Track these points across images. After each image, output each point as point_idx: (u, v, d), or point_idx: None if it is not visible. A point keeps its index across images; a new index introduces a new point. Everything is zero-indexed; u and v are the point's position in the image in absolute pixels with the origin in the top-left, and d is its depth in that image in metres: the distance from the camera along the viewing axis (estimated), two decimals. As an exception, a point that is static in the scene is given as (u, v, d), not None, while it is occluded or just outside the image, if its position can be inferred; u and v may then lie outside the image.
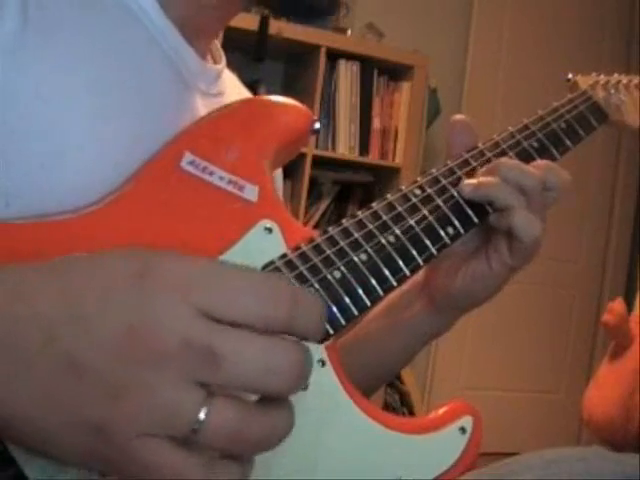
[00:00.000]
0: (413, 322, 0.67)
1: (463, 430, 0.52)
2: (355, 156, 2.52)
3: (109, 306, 0.36)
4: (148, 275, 0.36)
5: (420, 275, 0.67)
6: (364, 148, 2.54)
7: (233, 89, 0.70)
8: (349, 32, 2.63)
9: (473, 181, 0.60)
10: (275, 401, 0.37)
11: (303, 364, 0.36)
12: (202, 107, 0.61)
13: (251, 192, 0.54)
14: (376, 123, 2.56)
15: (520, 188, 0.59)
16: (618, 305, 0.97)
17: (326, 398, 0.50)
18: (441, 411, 0.53)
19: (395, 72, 2.59)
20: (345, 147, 2.51)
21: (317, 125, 0.59)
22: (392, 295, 0.65)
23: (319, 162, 2.46)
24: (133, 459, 0.36)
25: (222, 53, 0.70)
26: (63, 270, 0.38)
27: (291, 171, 2.43)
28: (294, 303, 0.36)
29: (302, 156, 2.38)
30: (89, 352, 0.35)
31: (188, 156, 0.53)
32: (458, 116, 0.66)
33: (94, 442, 0.36)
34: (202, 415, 0.35)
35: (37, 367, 0.36)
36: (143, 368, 0.35)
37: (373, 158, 2.55)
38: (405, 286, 0.67)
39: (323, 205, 2.59)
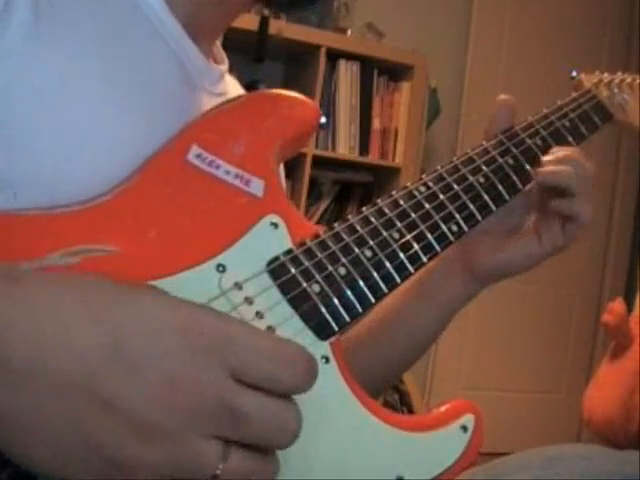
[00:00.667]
0: (451, 299, 0.70)
1: (465, 428, 0.52)
2: (355, 156, 2.52)
3: (154, 352, 0.38)
4: (192, 331, 0.39)
5: (453, 253, 0.69)
6: (364, 148, 2.54)
7: (234, 91, 0.70)
8: (349, 32, 2.63)
9: (550, 168, 0.65)
10: (271, 450, 0.42)
11: (301, 423, 0.42)
12: (208, 104, 0.61)
13: (257, 187, 0.54)
14: (376, 123, 2.56)
15: (584, 179, 0.65)
16: (618, 305, 0.97)
17: (329, 394, 0.50)
18: (443, 409, 0.53)
19: (395, 72, 2.59)
20: (345, 147, 2.51)
21: (323, 119, 0.59)
22: (420, 275, 0.69)
23: (319, 162, 2.45)
24: None
25: (224, 55, 0.70)
26: (108, 304, 0.39)
27: (291, 171, 2.43)
28: (307, 374, 0.41)
29: (302, 156, 2.38)
30: (128, 394, 0.37)
31: (195, 149, 0.53)
32: (504, 96, 0.71)
33: (112, 474, 0.38)
34: (221, 465, 0.39)
35: (69, 399, 0.37)
36: (177, 418, 0.38)
37: (373, 158, 2.55)
38: (433, 265, 0.69)
39: (323, 205, 2.59)
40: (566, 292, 3.27)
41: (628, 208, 3.34)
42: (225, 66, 0.68)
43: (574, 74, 0.80)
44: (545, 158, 0.66)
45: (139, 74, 0.56)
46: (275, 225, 0.53)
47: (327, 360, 0.51)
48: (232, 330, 0.40)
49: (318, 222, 2.54)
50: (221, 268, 0.50)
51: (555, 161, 0.66)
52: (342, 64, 2.52)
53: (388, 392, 2.56)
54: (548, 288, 3.19)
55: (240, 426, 0.39)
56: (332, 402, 0.50)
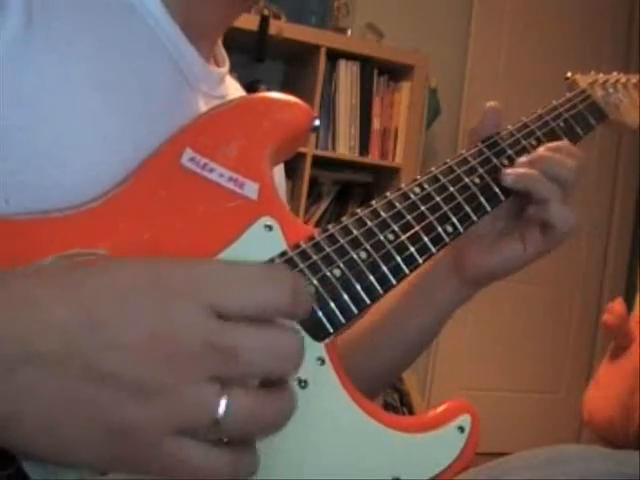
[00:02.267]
0: (445, 301, 0.71)
1: (461, 429, 0.52)
2: (355, 156, 2.52)
3: (128, 314, 0.38)
4: (161, 282, 0.39)
5: (446, 256, 0.69)
6: (364, 148, 2.54)
7: (235, 93, 0.70)
8: (349, 32, 2.63)
9: (513, 171, 0.64)
10: (279, 385, 0.40)
11: (302, 348, 0.40)
12: (204, 108, 0.61)
13: (251, 189, 0.54)
14: (376, 123, 2.56)
15: (558, 181, 0.63)
16: (618, 305, 0.97)
17: (325, 396, 0.50)
18: (439, 410, 0.53)
19: (395, 72, 2.59)
20: (345, 147, 2.51)
21: (317, 122, 0.59)
22: (414, 278, 0.69)
23: (319, 162, 2.46)
24: (163, 459, 0.38)
25: (226, 57, 0.70)
26: (76, 280, 0.39)
27: (291, 171, 2.43)
28: (294, 292, 0.40)
29: (302, 156, 2.38)
30: (111, 358, 0.37)
31: (188, 152, 0.53)
32: (492, 103, 0.69)
33: (119, 446, 0.38)
34: (222, 406, 0.38)
35: (57, 377, 0.37)
36: (167, 371, 0.37)
37: (373, 158, 2.55)
38: (426, 268, 0.69)
39: (323, 205, 2.59)
40: (566, 292, 3.27)
41: (628, 208, 3.33)
42: (226, 68, 0.68)
43: (569, 74, 0.80)
44: (519, 160, 0.66)
45: (134, 78, 0.56)
46: (269, 227, 0.53)
47: (322, 362, 0.51)
48: (202, 268, 0.40)
49: (318, 222, 2.54)
50: None
51: (523, 163, 0.65)
52: (342, 64, 2.52)
53: (388, 392, 2.56)
54: (548, 288, 3.19)
55: (231, 362, 0.38)
56: (327, 403, 0.50)
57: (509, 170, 0.64)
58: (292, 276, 0.41)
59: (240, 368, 0.38)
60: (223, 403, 0.37)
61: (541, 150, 0.66)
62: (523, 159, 0.65)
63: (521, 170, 0.64)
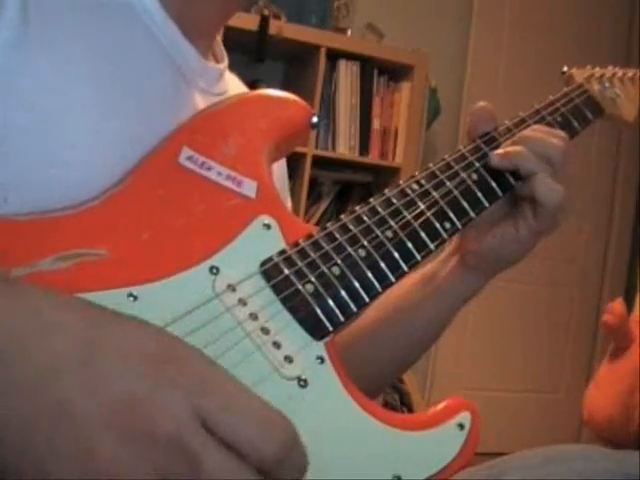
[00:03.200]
0: (453, 293, 0.70)
1: (461, 426, 0.52)
2: (355, 156, 2.52)
3: (123, 372, 0.37)
4: (169, 364, 0.38)
5: (452, 247, 0.70)
6: (364, 148, 2.54)
7: (235, 89, 0.70)
8: (349, 32, 2.63)
9: (500, 151, 0.64)
10: None
11: None
12: (202, 105, 0.61)
13: (249, 188, 0.54)
14: (376, 123, 2.56)
15: (545, 158, 0.63)
16: (618, 305, 0.97)
17: (325, 394, 0.50)
18: (439, 407, 0.53)
19: (395, 72, 2.59)
20: (345, 147, 2.51)
21: (315, 119, 0.59)
22: (423, 271, 0.69)
23: (319, 162, 2.45)
24: None
25: (225, 53, 0.70)
26: (87, 323, 0.38)
27: (291, 171, 2.42)
28: (285, 449, 0.37)
29: (302, 156, 2.38)
30: (85, 405, 0.36)
31: (186, 151, 0.53)
32: (482, 103, 0.69)
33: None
34: None
35: (31, 392, 0.36)
36: (124, 443, 0.35)
37: (373, 158, 2.55)
38: (436, 259, 0.70)
39: (323, 205, 2.58)
40: (566, 292, 3.27)
41: (628, 208, 3.33)
42: (225, 64, 0.68)
43: (565, 69, 0.79)
44: (506, 142, 0.66)
45: (132, 76, 0.55)
46: (268, 226, 0.53)
47: (322, 360, 0.51)
48: (213, 376, 0.38)
49: (318, 222, 2.54)
50: (214, 270, 0.50)
51: (509, 143, 0.65)
52: (342, 64, 2.52)
53: (388, 392, 2.56)
54: (548, 288, 3.19)
55: (190, 471, 0.35)
56: (328, 402, 0.50)
57: (496, 151, 0.65)
58: (289, 431, 0.38)
59: (194, 477, 0.36)
60: None
61: (526, 131, 0.66)
62: (508, 141, 0.66)
63: (507, 149, 0.64)
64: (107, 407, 0.36)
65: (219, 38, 0.69)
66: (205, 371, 0.39)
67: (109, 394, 0.36)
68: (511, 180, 0.65)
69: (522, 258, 0.68)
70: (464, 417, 0.52)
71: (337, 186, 2.61)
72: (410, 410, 2.55)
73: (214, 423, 0.36)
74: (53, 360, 0.36)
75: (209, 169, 0.53)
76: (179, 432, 0.36)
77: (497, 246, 0.66)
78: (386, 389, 2.54)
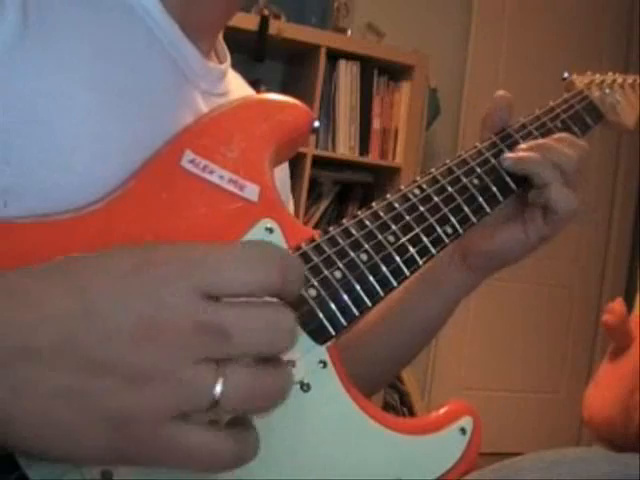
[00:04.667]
0: (453, 289, 0.71)
1: (463, 431, 0.52)
2: (355, 156, 2.52)
3: (117, 298, 0.37)
4: (150, 265, 0.38)
5: (453, 244, 0.68)
6: (364, 148, 2.54)
7: (238, 89, 0.70)
8: (349, 32, 2.63)
9: (514, 155, 0.65)
10: (274, 361, 0.40)
11: (295, 324, 0.40)
12: (204, 106, 0.61)
13: (252, 192, 0.54)
14: (376, 123, 2.56)
15: (558, 167, 0.64)
16: (618, 305, 0.97)
17: (327, 399, 0.50)
18: (441, 412, 0.53)
19: (395, 72, 2.59)
20: (345, 147, 2.51)
21: (316, 123, 0.59)
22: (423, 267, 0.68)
23: (319, 162, 2.45)
24: (163, 444, 0.38)
25: (227, 52, 0.69)
26: (66, 270, 0.39)
27: (291, 171, 2.42)
28: (283, 268, 0.39)
29: (302, 156, 2.38)
30: (103, 346, 0.36)
31: (188, 154, 0.53)
32: (501, 92, 0.70)
33: (119, 435, 0.37)
34: (219, 386, 0.37)
35: (54, 368, 0.36)
36: (159, 354, 0.37)
37: (373, 158, 2.55)
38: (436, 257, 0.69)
39: (323, 205, 2.58)
40: (566, 292, 3.27)
41: (628, 208, 3.33)
42: (227, 64, 0.68)
43: (565, 75, 0.80)
44: (519, 146, 0.66)
45: (133, 78, 0.55)
46: (270, 230, 0.53)
47: (325, 365, 0.50)
48: (189, 252, 0.39)
49: (318, 222, 2.54)
50: None
51: (524, 148, 0.66)
52: (342, 64, 2.52)
53: (388, 392, 2.56)
54: (548, 288, 3.20)
55: (224, 342, 0.37)
56: (330, 407, 0.50)
57: (509, 154, 0.65)
58: (281, 254, 0.40)
59: (233, 348, 0.38)
60: (220, 383, 0.37)
61: (542, 139, 0.67)
62: (523, 145, 0.66)
63: (521, 153, 0.65)
64: (127, 339, 0.37)
65: (221, 37, 0.69)
66: (176, 253, 0.39)
67: (122, 329, 0.37)
68: (512, 185, 0.65)
69: (525, 257, 0.69)
70: (466, 421, 0.52)
71: (337, 186, 2.61)
72: (410, 410, 2.55)
73: (216, 289, 0.38)
74: (58, 331, 0.36)
75: (211, 172, 0.53)
76: (196, 318, 0.37)
77: (503, 249, 0.67)
78: (386, 389, 2.54)
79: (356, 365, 0.59)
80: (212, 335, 0.37)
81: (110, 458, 0.39)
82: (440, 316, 0.72)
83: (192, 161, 0.53)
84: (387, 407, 2.50)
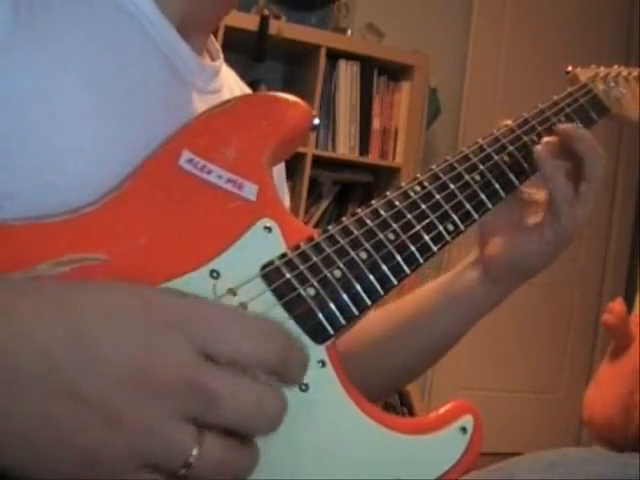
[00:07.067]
0: (474, 302, 0.70)
1: (464, 430, 0.52)
2: (355, 156, 2.52)
3: (113, 336, 0.37)
4: (152, 310, 0.38)
5: (476, 256, 0.69)
6: (364, 148, 2.54)
7: (232, 85, 0.70)
8: (349, 32, 2.63)
9: (546, 151, 0.65)
10: (247, 439, 0.40)
11: (284, 410, 0.39)
12: (199, 104, 0.60)
13: (250, 191, 0.53)
14: (376, 123, 2.56)
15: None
16: (618, 305, 0.97)
17: (326, 398, 0.50)
18: (442, 411, 0.53)
19: (395, 72, 2.59)
20: (345, 147, 2.51)
21: (316, 121, 0.59)
22: (445, 277, 0.69)
23: (319, 162, 2.45)
24: None
25: (219, 49, 0.69)
26: (61, 298, 0.38)
27: (291, 171, 2.43)
28: (287, 353, 0.39)
29: (302, 156, 2.38)
30: (93, 381, 0.36)
31: (186, 154, 0.53)
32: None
33: (85, 469, 0.37)
34: (195, 451, 0.37)
35: (36, 392, 0.36)
36: (144, 401, 0.36)
37: (373, 158, 2.55)
38: (459, 267, 0.70)
39: (323, 205, 2.59)
40: (566, 292, 3.27)
41: (628, 208, 3.33)
42: (220, 61, 0.67)
43: (569, 68, 0.79)
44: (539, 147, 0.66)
45: (127, 77, 0.55)
46: (269, 229, 0.52)
47: (323, 364, 0.50)
48: (197, 306, 0.39)
49: (318, 222, 2.54)
50: (215, 274, 0.49)
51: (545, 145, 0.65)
52: (342, 64, 2.52)
53: (388, 392, 2.56)
54: (548, 288, 3.19)
55: (211, 408, 0.37)
56: (329, 406, 0.50)
57: (542, 146, 0.65)
58: (290, 341, 0.40)
59: (220, 416, 0.37)
60: (196, 448, 0.37)
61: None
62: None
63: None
64: (115, 377, 0.36)
65: (212, 36, 0.69)
66: (184, 304, 0.39)
67: (112, 367, 0.36)
68: (515, 181, 0.65)
69: (543, 268, 0.69)
70: (467, 421, 0.52)
71: (337, 186, 2.61)
72: (410, 410, 2.55)
73: (214, 350, 0.38)
74: (44, 357, 0.36)
75: (209, 172, 0.53)
76: (189, 375, 0.37)
77: (524, 254, 0.67)
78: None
79: (365, 374, 0.58)
80: (201, 396, 0.37)
81: None
82: (456, 330, 0.71)
83: (190, 161, 0.52)
84: (387, 407, 2.50)
